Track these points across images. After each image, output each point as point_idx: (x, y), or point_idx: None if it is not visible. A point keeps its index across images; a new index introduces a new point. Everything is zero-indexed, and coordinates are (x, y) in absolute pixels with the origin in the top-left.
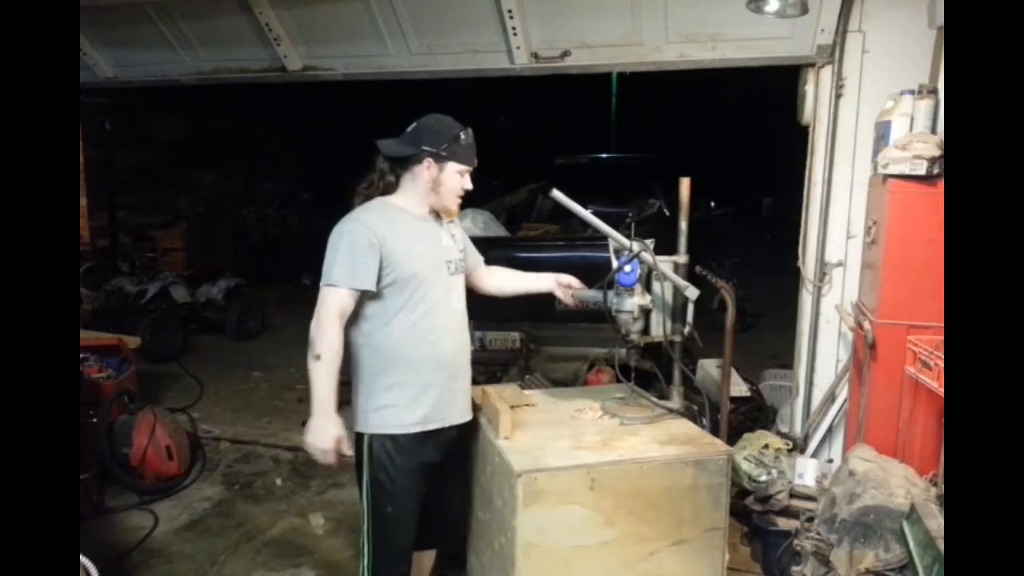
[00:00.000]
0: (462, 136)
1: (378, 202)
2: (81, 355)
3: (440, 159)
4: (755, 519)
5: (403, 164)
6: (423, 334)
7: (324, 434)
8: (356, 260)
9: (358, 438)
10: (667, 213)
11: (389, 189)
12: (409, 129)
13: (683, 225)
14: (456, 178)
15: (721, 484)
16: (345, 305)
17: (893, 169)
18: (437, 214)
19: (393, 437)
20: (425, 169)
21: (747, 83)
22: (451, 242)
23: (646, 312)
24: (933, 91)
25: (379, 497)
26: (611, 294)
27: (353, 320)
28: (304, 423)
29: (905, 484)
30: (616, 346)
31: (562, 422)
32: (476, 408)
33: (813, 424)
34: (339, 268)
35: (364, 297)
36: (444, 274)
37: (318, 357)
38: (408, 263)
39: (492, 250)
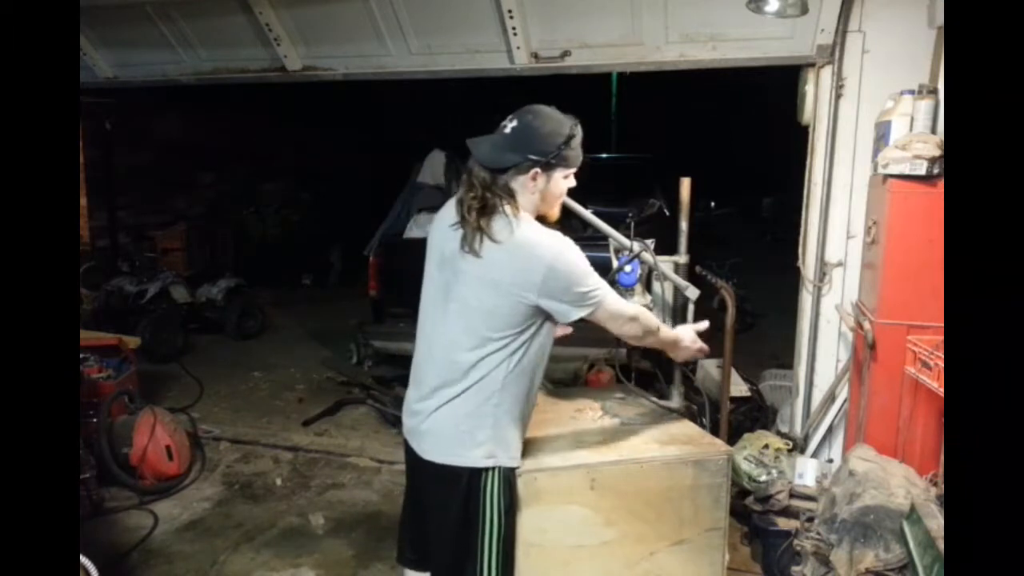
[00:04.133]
0: (575, 137)
1: (531, 220)
2: (81, 355)
3: (549, 167)
4: (755, 519)
5: (505, 173)
6: (542, 372)
7: (690, 342)
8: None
9: (478, 476)
10: (667, 213)
11: (503, 201)
12: (509, 131)
13: (683, 225)
14: (563, 183)
15: (721, 484)
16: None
17: (893, 169)
18: None
19: (514, 470)
20: (531, 179)
21: (747, 83)
22: None
23: None
24: (933, 91)
25: (508, 543)
26: None
27: (504, 332)
28: (305, 423)
29: (905, 484)
30: (616, 346)
31: (562, 422)
32: None
33: (813, 424)
34: (595, 284)
35: (529, 315)
36: None
37: (657, 329)
38: None
39: None
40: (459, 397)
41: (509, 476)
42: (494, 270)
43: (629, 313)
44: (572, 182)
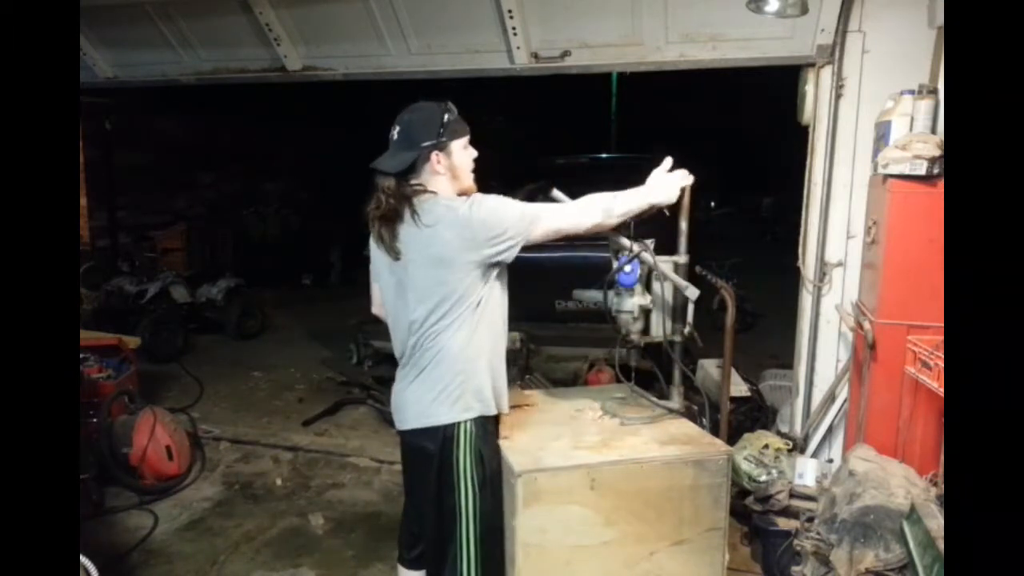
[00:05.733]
0: (448, 113)
1: (448, 194)
2: (81, 355)
3: (442, 145)
4: (755, 519)
5: (412, 171)
6: (505, 317)
7: (668, 179)
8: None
9: (451, 431)
10: (667, 213)
11: (406, 202)
12: (396, 136)
13: (683, 225)
14: (464, 153)
15: (721, 484)
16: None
17: (893, 169)
18: None
19: (488, 419)
20: (435, 163)
21: (747, 83)
22: None
23: (646, 312)
24: (933, 91)
25: (487, 500)
26: (611, 294)
27: (461, 299)
28: (305, 423)
29: (905, 484)
30: (616, 346)
31: (562, 422)
32: None
33: (813, 424)
34: (515, 204)
35: (480, 274)
36: None
37: (611, 207)
38: None
39: None
40: (429, 366)
41: (484, 424)
42: (434, 248)
43: (576, 209)
44: (473, 152)
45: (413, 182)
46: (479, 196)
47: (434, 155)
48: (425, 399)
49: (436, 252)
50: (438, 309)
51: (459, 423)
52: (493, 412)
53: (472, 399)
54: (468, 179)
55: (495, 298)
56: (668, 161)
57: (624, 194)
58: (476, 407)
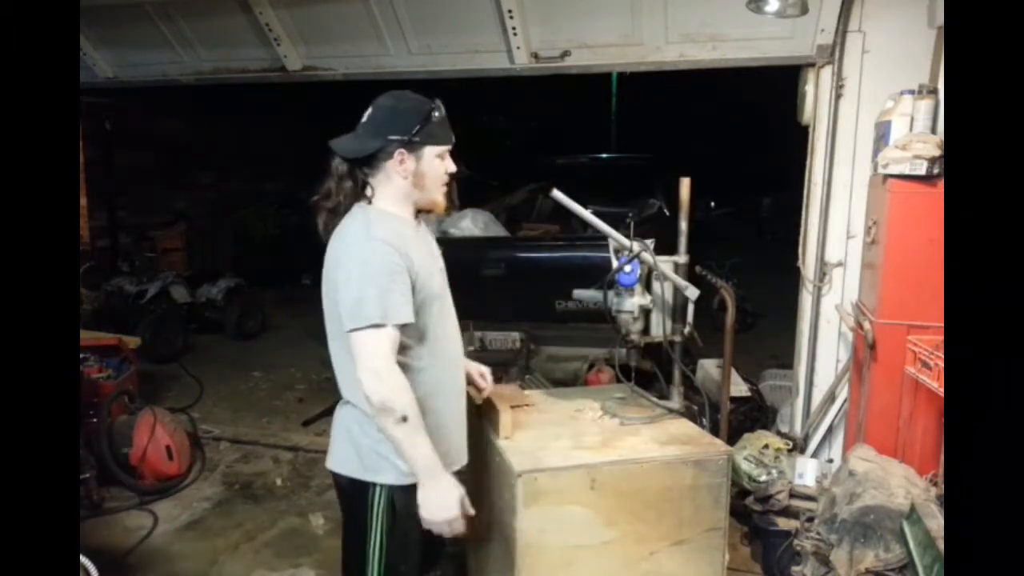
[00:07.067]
0: (434, 112)
1: (373, 212)
2: (81, 355)
3: (414, 146)
4: (755, 519)
5: (369, 163)
6: (446, 368)
7: (448, 499)
8: (392, 289)
9: (365, 488)
10: (667, 213)
11: (355, 197)
12: (365, 119)
13: (683, 225)
14: (437, 163)
15: (721, 484)
16: (396, 345)
17: (893, 169)
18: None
19: (415, 487)
20: (398, 163)
21: (747, 83)
22: (437, 249)
23: (646, 312)
24: (933, 91)
25: (393, 556)
26: (611, 294)
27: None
28: (305, 423)
29: (905, 484)
30: (616, 346)
31: (562, 422)
32: (479, 413)
33: (813, 424)
34: (376, 302)
35: None
36: (447, 288)
37: (404, 419)
38: (430, 282)
39: (492, 250)
40: (349, 404)
41: (394, 495)
42: (331, 271)
43: (386, 373)
44: (451, 165)
45: (368, 178)
46: (377, 253)
47: (399, 153)
48: (338, 441)
49: (331, 276)
50: (344, 342)
51: (374, 484)
52: (402, 483)
53: (383, 460)
54: (435, 193)
55: (418, 354)
56: (470, 511)
57: (417, 438)
58: (389, 473)
